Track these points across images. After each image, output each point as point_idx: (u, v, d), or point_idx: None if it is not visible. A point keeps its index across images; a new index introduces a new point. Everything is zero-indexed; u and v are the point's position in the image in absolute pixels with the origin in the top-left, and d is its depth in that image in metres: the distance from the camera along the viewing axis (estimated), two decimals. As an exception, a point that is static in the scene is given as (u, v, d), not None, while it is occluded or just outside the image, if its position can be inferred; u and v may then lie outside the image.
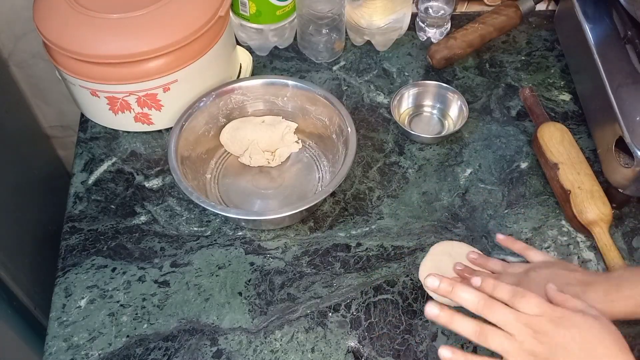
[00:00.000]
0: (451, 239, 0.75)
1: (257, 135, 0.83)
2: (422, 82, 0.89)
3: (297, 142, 0.84)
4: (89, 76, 0.76)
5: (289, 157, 0.84)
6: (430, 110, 0.89)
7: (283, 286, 0.72)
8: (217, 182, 0.82)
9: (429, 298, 0.71)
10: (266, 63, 0.95)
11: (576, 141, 0.80)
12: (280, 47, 0.96)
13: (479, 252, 0.72)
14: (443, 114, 0.89)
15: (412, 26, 0.98)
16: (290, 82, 0.82)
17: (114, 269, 0.73)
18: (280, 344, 0.68)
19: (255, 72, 0.93)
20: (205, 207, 0.70)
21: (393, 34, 0.95)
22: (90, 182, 0.82)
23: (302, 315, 0.70)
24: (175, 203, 0.79)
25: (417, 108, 0.90)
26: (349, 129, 0.76)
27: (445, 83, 0.89)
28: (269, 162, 0.83)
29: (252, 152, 0.82)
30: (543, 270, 0.61)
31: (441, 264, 0.71)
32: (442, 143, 0.85)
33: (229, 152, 0.84)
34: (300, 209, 0.70)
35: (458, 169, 0.83)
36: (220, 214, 0.75)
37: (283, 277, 0.73)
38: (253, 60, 0.93)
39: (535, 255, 0.66)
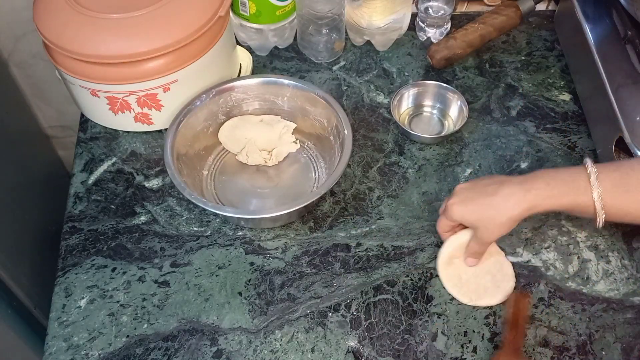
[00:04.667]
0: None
1: (255, 134, 0.83)
2: (422, 82, 0.89)
3: (295, 142, 0.84)
4: (89, 76, 0.76)
5: (286, 157, 0.84)
6: (430, 110, 0.89)
7: (283, 286, 0.72)
8: (213, 179, 0.82)
9: (429, 298, 0.71)
10: (266, 63, 0.95)
11: (574, 143, 0.80)
12: (280, 47, 0.96)
13: None
14: (443, 114, 0.88)
15: (412, 26, 0.98)
16: (290, 82, 0.82)
17: (114, 269, 0.73)
18: (280, 344, 0.68)
19: (255, 72, 0.93)
20: (196, 203, 0.70)
21: (393, 34, 0.95)
22: (90, 182, 0.82)
23: (302, 315, 0.70)
24: (175, 203, 0.79)
25: (417, 108, 0.90)
26: (345, 131, 0.76)
27: (445, 83, 0.89)
28: (266, 161, 0.83)
29: (249, 151, 0.82)
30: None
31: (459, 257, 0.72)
32: (442, 143, 0.85)
33: (227, 150, 0.84)
34: (292, 209, 0.70)
35: (458, 169, 0.83)
36: (210, 210, 0.75)
37: (283, 277, 0.73)
38: (253, 60, 0.93)
39: None
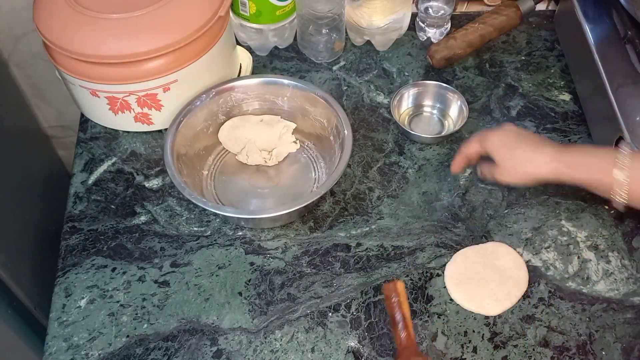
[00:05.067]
0: (455, 239, 0.75)
1: (255, 134, 0.83)
2: (422, 82, 0.89)
3: (294, 142, 0.84)
4: (89, 76, 0.76)
5: (286, 157, 0.84)
6: (430, 110, 0.89)
7: (283, 286, 0.72)
8: (213, 179, 0.82)
9: (429, 298, 0.71)
10: (266, 63, 0.95)
11: (575, 143, 0.80)
12: (280, 47, 0.96)
13: None
14: (443, 114, 0.89)
15: (412, 26, 0.98)
16: (290, 82, 0.82)
17: (114, 269, 0.73)
18: (280, 344, 0.68)
19: (255, 72, 0.93)
20: (196, 203, 0.70)
21: (393, 34, 0.95)
22: (90, 182, 0.82)
23: (302, 315, 0.70)
24: (175, 203, 0.79)
25: (417, 108, 0.90)
26: (345, 131, 0.76)
27: (445, 83, 0.89)
28: (266, 161, 0.83)
29: (249, 151, 0.82)
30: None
31: (470, 268, 0.72)
32: (442, 143, 0.85)
33: (227, 150, 0.84)
34: (292, 209, 0.70)
35: (458, 169, 0.83)
36: (210, 210, 0.75)
37: (283, 277, 0.73)
38: (253, 60, 0.93)
39: None
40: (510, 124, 0.73)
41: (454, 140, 0.85)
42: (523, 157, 0.68)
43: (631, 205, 0.65)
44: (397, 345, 0.62)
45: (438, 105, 0.89)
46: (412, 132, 0.84)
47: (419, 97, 0.89)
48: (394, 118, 0.85)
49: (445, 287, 0.72)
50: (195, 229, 0.77)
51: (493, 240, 0.75)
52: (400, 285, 0.63)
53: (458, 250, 0.74)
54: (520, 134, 0.70)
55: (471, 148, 0.74)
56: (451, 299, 0.71)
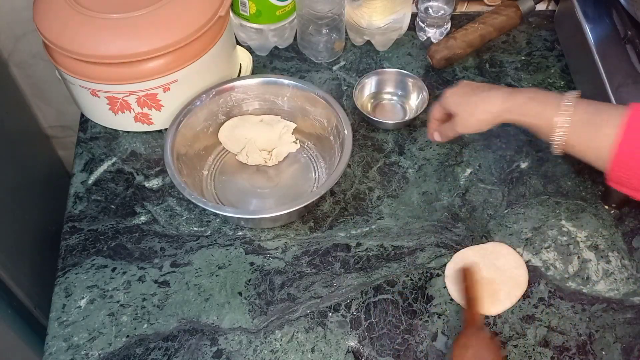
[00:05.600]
0: (455, 239, 0.75)
1: (255, 134, 0.83)
2: (383, 70, 0.90)
3: (295, 142, 0.84)
4: (89, 76, 0.76)
5: (286, 157, 0.84)
6: (391, 97, 0.91)
7: (283, 286, 0.72)
8: (213, 179, 0.82)
9: (429, 298, 0.71)
10: (266, 63, 0.95)
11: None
12: (280, 47, 0.96)
13: None
14: (404, 100, 0.90)
15: (412, 26, 0.98)
16: (290, 82, 0.82)
17: (114, 269, 0.73)
18: (280, 344, 0.68)
19: (255, 72, 0.93)
20: (196, 203, 0.70)
21: (393, 34, 0.95)
22: (90, 182, 0.82)
23: (302, 315, 0.70)
24: (175, 203, 0.79)
25: (379, 95, 0.91)
26: (345, 131, 0.76)
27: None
28: (266, 161, 0.83)
29: (249, 151, 0.82)
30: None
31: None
32: (442, 143, 0.85)
33: (227, 150, 0.84)
34: (292, 209, 0.70)
35: (458, 169, 0.83)
36: (210, 210, 0.75)
37: (283, 277, 0.73)
38: (253, 60, 0.93)
39: None
40: (466, 80, 0.75)
41: (454, 140, 0.85)
42: (477, 102, 0.70)
43: (567, 152, 0.66)
44: (465, 321, 0.67)
45: (399, 92, 0.90)
46: (375, 119, 0.85)
47: (380, 84, 0.90)
48: (357, 106, 0.86)
49: (445, 287, 0.72)
50: (195, 229, 0.77)
51: (493, 241, 0.75)
52: (473, 270, 0.70)
53: (458, 251, 0.74)
54: (475, 85, 0.72)
55: (435, 111, 0.76)
56: (451, 299, 0.71)
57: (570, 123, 0.64)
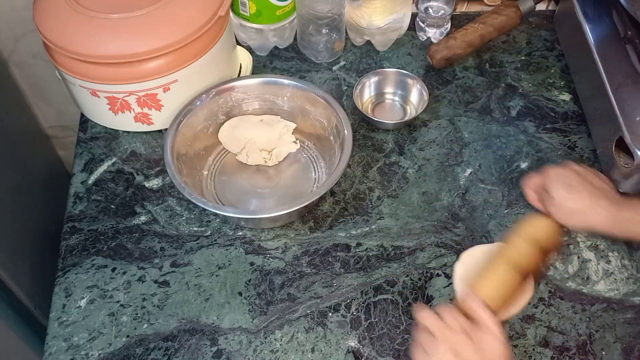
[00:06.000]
0: (455, 239, 0.75)
1: (255, 134, 0.83)
2: (383, 70, 0.90)
3: (295, 142, 0.84)
4: (89, 76, 0.76)
5: (286, 157, 0.84)
6: (392, 97, 0.91)
7: (283, 286, 0.72)
8: (213, 179, 0.82)
9: (429, 298, 0.71)
10: (266, 63, 0.95)
11: (574, 143, 0.80)
12: (280, 47, 0.96)
13: None
14: (404, 100, 0.90)
15: (412, 26, 0.98)
16: (290, 82, 0.82)
17: (114, 269, 0.73)
18: (280, 344, 0.68)
19: (255, 72, 0.93)
20: (196, 203, 0.70)
21: (393, 34, 0.95)
22: (90, 182, 0.82)
23: (302, 315, 0.70)
24: (175, 203, 0.79)
25: (380, 96, 0.91)
26: (345, 131, 0.76)
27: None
28: (266, 161, 0.83)
29: (249, 151, 0.82)
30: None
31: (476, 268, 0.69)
32: (442, 143, 0.85)
33: (227, 150, 0.84)
34: (292, 209, 0.70)
35: (458, 169, 0.83)
36: (210, 210, 0.75)
37: (283, 277, 0.73)
38: (253, 60, 0.93)
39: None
40: (574, 166, 0.69)
41: (454, 140, 0.85)
42: (578, 208, 0.65)
43: None
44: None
45: (399, 92, 0.90)
46: (375, 119, 0.85)
47: (380, 84, 0.90)
48: (357, 106, 0.86)
49: (445, 287, 0.71)
50: (195, 229, 0.77)
51: (494, 241, 0.75)
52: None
53: (461, 251, 0.73)
54: (587, 176, 0.68)
55: (533, 184, 0.70)
56: (451, 299, 0.71)
57: None
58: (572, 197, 0.65)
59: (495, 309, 0.60)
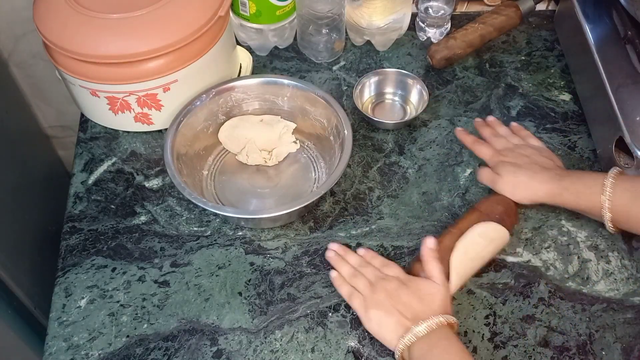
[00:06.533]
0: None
1: (255, 134, 0.83)
2: (383, 70, 0.90)
3: (294, 142, 0.84)
4: (89, 76, 0.76)
5: (286, 157, 0.84)
6: (392, 97, 0.91)
7: (283, 286, 0.72)
8: (213, 179, 0.82)
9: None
10: (266, 63, 0.95)
11: (574, 143, 0.80)
12: (280, 47, 0.96)
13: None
14: (404, 100, 0.90)
15: (412, 26, 0.98)
16: (290, 82, 0.82)
17: (114, 269, 0.73)
18: (280, 344, 0.68)
19: (255, 72, 0.93)
20: (196, 203, 0.70)
21: (393, 34, 0.95)
22: (90, 182, 0.82)
23: (302, 315, 0.70)
24: (175, 203, 0.79)
25: (380, 96, 0.91)
26: (345, 131, 0.76)
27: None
28: (266, 161, 0.83)
29: (249, 151, 0.82)
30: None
31: (475, 246, 0.70)
32: (442, 143, 0.85)
33: (227, 150, 0.84)
34: (292, 209, 0.70)
35: (458, 169, 0.83)
36: (210, 210, 0.75)
37: (283, 277, 0.73)
38: (253, 60, 0.93)
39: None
40: (515, 145, 0.78)
41: (454, 140, 0.85)
42: (524, 182, 0.72)
43: (623, 229, 0.69)
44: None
45: (399, 92, 0.90)
46: (375, 119, 0.85)
47: (380, 84, 0.90)
48: (357, 106, 0.86)
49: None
50: (195, 229, 0.77)
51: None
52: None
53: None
54: (526, 155, 0.75)
55: (488, 174, 0.76)
56: (453, 297, 0.70)
57: (611, 202, 0.67)
58: (517, 173, 0.73)
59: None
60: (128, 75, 0.76)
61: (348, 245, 0.75)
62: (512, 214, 0.73)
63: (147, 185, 0.81)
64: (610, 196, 0.67)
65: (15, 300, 0.86)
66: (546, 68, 0.95)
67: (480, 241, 0.69)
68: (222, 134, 0.84)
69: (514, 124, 0.83)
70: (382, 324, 0.64)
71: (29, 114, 1.10)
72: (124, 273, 0.73)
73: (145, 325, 0.69)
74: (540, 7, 1.01)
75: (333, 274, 0.70)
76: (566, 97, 0.91)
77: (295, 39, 0.97)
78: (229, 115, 0.84)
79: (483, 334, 0.68)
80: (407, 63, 0.95)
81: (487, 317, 0.70)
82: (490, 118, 0.84)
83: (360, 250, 0.72)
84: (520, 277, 0.72)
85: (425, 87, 0.87)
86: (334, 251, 0.72)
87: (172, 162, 0.74)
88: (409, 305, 0.63)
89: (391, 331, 0.63)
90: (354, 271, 0.69)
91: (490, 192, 0.77)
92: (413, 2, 0.96)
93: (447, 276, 0.66)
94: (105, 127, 0.87)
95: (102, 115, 0.84)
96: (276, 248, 0.75)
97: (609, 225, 0.69)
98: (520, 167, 0.73)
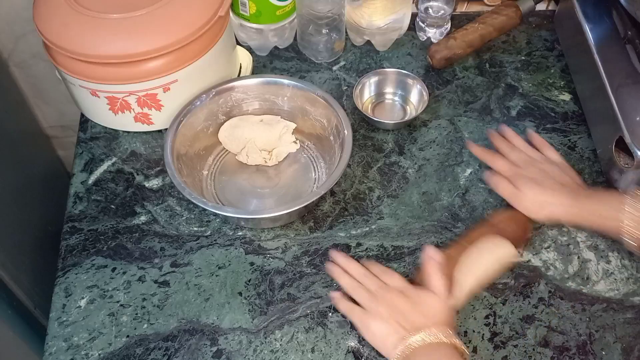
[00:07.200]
0: (455, 239, 0.75)
1: (255, 134, 0.83)
2: (383, 70, 0.90)
3: (295, 142, 0.84)
4: (89, 76, 0.76)
5: (286, 157, 0.84)
6: (392, 97, 0.91)
7: (283, 286, 0.72)
8: (213, 179, 0.82)
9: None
10: (266, 63, 0.95)
11: (574, 143, 0.80)
12: (280, 47, 0.96)
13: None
14: (404, 100, 0.90)
15: (412, 26, 0.98)
16: (290, 82, 0.82)
17: (114, 269, 0.73)
18: (280, 344, 0.68)
19: (255, 72, 0.93)
20: (196, 203, 0.70)
21: (393, 34, 0.95)
22: (90, 182, 0.82)
23: (302, 315, 0.70)
24: (175, 203, 0.79)
25: (380, 96, 0.91)
26: (345, 131, 0.76)
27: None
28: (266, 161, 0.83)
29: (249, 151, 0.82)
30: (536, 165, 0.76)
31: (481, 262, 0.69)
32: (442, 143, 0.85)
33: (227, 150, 0.84)
34: (292, 209, 0.70)
35: (458, 169, 0.83)
36: (210, 210, 0.75)
37: (283, 277, 0.73)
38: (253, 60, 0.93)
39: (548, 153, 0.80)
40: (538, 159, 0.77)
41: (454, 140, 0.85)
42: (542, 199, 0.72)
43: None
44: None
45: (399, 92, 0.90)
46: (375, 119, 0.85)
47: (380, 84, 0.90)
48: (357, 106, 0.86)
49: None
50: (195, 229, 0.77)
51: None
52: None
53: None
54: (545, 171, 0.74)
55: (506, 187, 0.75)
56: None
57: (635, 221, 0.66)
58: (537, 190, 0.72)
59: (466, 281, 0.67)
60: (128, 75, 0.76)
61: (348, 246, 0.75)
62: (526, 231, 0.73)
63: (147, 185, 0.81)
64: (631, 217, 0.66)
65: (15, 300, 0.86)
66: (546, 68, 0.95)
67: (487, 257, 0.68)
68: (222, 134, 0.84)
69: (531, 132, 0.82)
70: (379, 333, 0.64)
71: (29, 114, 1.10)
72: (124, 273, 0.73)
73: (145, 325, 0.69)
74: (540, 7, 1.01)
75: (333, 294, 0.70)
76: (566, 97, 0.91)
77: (295, 39, 0.97)
78: (229, 115, 0.84)
79: (483, 334, 0.68)
80: (407, 63, 0.95)
81: (487, 317, 0.70)
82: (506, 129, 0.82)
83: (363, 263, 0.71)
84: (520, 277, 0.72)
85: (425, 87, 0.87)
86: (334, 263, 0.71)
87: (172, 162, 0.74)
88: (407, 316, 0.63)
89: (388, 341, 0.62)
90: (355, 283, 0.68)
91: (493, 195, 0.77)
92: (413, 2, 0.96)
93: (451, 288, 0.66)
94: (105, 127, 0.87)
95: (102, 115, 0.84)
96: (276, 248, 0.75)
97: (630, 243, 0.67)
98: (540, 184, 0.72)
